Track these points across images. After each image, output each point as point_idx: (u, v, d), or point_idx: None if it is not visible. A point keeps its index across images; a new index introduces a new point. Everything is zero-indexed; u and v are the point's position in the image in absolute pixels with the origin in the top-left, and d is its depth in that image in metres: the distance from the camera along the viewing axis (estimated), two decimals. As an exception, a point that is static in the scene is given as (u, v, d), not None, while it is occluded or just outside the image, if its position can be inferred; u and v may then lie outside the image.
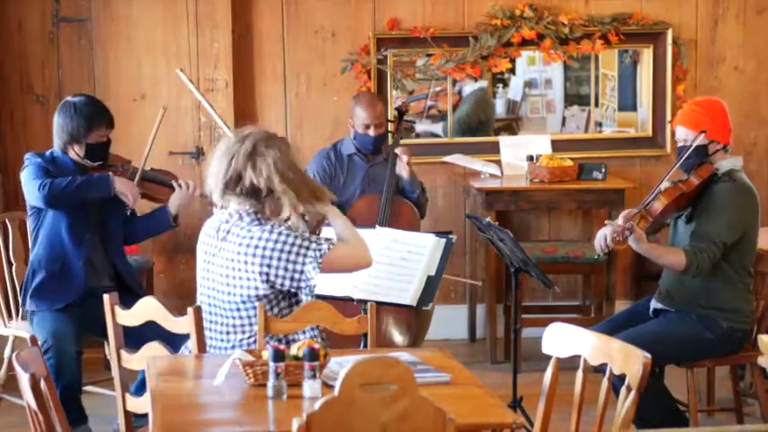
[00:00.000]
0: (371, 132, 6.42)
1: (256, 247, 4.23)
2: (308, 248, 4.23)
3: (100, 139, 5.56)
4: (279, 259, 4.21)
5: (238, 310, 4.31)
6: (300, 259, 4.22)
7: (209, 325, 4.38)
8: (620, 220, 5.16)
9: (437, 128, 7.56)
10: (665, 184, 5.22)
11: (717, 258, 5.12)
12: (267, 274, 4.22)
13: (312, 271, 4.22)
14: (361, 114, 6.43)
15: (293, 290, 4.29)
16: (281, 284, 4.25)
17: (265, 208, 4.29)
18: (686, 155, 5.21)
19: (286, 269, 4.22)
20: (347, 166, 6.51)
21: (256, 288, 4.25)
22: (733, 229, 5.15)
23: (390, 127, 6.63)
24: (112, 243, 5.64)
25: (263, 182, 4.25)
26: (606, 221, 5.40)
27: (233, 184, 4.28)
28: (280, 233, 4.24)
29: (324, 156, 6.57)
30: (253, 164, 4.26)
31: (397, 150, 6.36)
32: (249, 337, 4.33)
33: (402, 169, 6.35)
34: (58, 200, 5.42)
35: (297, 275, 4.23)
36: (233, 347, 4.30)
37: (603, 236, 5.18)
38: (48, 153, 5.58)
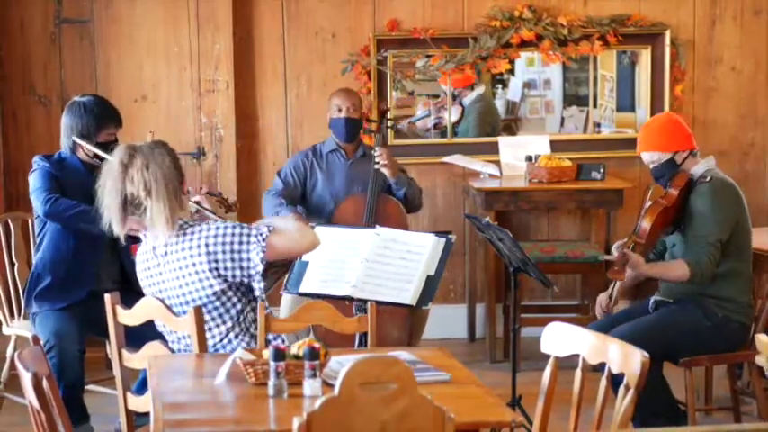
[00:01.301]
0: (343, 115, 6.45)
1: (199, 246, 4.27)
2: (248, 235, 4.28)
3: (109, 138, 5.58)
4: (224, 252, 4.26)
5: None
6: (244, 247, 4.26)
7: (178, 345, 4.41)
8: (614, 252, 5.27)
9: (435, 136, 7.60)
10: (647, 205, 5.32)
11: (717, 258, 5.19)
12: (217, 269, 4.27)
13: (257, 257, 4.26)
14: (335, 101, 6.48)
15: (245, 280, 4.32)
16: (233, 276, 4.29)
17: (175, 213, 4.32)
18: (653, 174, 5.38)
19: (233, 260, 4.27)
20: (326, 163, 6.51)
21: (211, 286, 4.28)
22: (723, 225, 5.23)
23: (373, 126, 6.63)
24: (120, 247, 5.63)
25: (138, 190, 4.28)
26: (604, 256, 5.50)
27: (126, 205, 4.31)
28: (218, 227, 4.30)
29: (303, 154, 6.59)
30: (128, 177, 4.29)
31: (375, 151, 6.37)
32: (221, 341, 4.35)
33: (383, 169, 6.35)
34: (57, 219, 5.45)
35: (244, 264, 4.27)
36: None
37: (599, 302, 5.47)
38: (56, 155, 5.59)
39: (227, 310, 4.35)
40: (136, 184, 4.27)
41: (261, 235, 4.28)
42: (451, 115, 7.54)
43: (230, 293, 4.33)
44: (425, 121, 7.59)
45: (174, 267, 4.32)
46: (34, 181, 5.51)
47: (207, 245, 4.26)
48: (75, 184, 5.52)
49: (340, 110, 6.46)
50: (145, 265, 4.45)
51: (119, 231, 4.39)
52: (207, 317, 4.33)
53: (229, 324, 4.35)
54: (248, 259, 4.27)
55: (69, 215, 5.40)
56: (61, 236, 5.51)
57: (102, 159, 5.59)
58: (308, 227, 4.52)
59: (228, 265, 4.27)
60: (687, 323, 5.23)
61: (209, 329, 4.34)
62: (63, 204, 5.41)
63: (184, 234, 4.31)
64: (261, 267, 4.27)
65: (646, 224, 5.25)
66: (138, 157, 4.30)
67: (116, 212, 4.33)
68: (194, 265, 4.28)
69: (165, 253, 4.35)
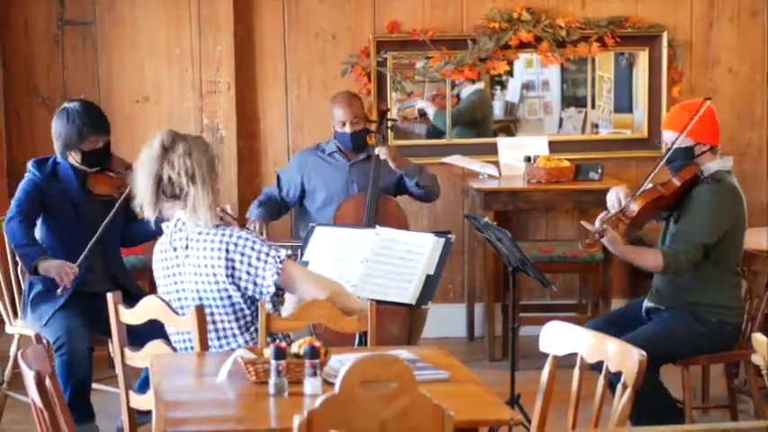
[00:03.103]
0: (348, 129, 6.45)
1: (220, 249, 4.25)
2: (267, 254, 4.26)
3: (94, 146, 5.59)
4: (241, 262, 4.25)
5: (212, 314, 4.32)
6: (261, 264, 4.25)
7: (185, 343, 4.41)
8: (596, 223, 5.21)
9: (421, 128, 7.63)
10: (647, 186, 5.27)
11: (696, 258, 5.16)
12: (232, 276, 4.26)
13: (271, 278, 4.25)
14: (337, 112, 6.47)
15: (257, 296, 4.31)
16: (245, 288, 4.28)
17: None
18: (668, 156, 5.28)
19: (248, 273, 4.26)
20: (328, 164, 6.53)
21: (226, 290, 4.28)
22: (713, 229, 5.18)
23: (373, 127, 6.66)
24: (110, 250, 5.65)
25: (179, 176, 4.27)
26: (582, 222, 5.44)
27: (159, 189, 4.29)
28: (240, 236, 4.28)
29: (303, 155, 6.61)
30: (168, 161, 4.28)
31: (376, 151, 6.38)
32: (228, 345, 4.35)
33: (390, 164, 6.38)
34: (7, 237, 5.54)
35: (258, 281, 4.26)
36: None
37: (616, 194, 5.29)
38: (50, 161, 5.63)
39: (237, 319, 4.35)
40: (176, 168, 4.25)
41: (278, 257, 4.27)
42: (449, 104, 7.58)
43: (243, 304, 4.33)
44: (413, 110, 7.62)
45: (193, 263, 4.32)
46: (19, 189, 5.58)
47: (228, 250, 4.25)
48: (60, 192, 5.57)
49: (344, 124, 6.45)
50: (161, 255, 4.44)
51: (149, 214, 4.36)
52: (217, 318, 4.33)
53: (237, 331, 4.35)
54: (263, 277, 4.26)
55: (13, 243, 5.50)
56: (51, 241, 5.56)
57: (90, 166, 5.61)
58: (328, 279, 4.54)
59: (243, 276, 4.26)
60: (683, 332, 5.22)
61: (216, 331, 4.35)
62: (16, 230, 5.46)
63: (207, 233, 4.31)
64: (273, 289, 4.26)
65: (635, 206, 5.19)
66: (181, 142, 4.30)
67: (148, 196, 4.30)
68: (213, 266, 4.27)
69: (187, 246, 4.34)
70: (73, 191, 5.61)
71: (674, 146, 5.25)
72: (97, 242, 5.52)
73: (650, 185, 5.26)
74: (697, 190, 5.25)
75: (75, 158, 5.60)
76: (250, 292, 4.31)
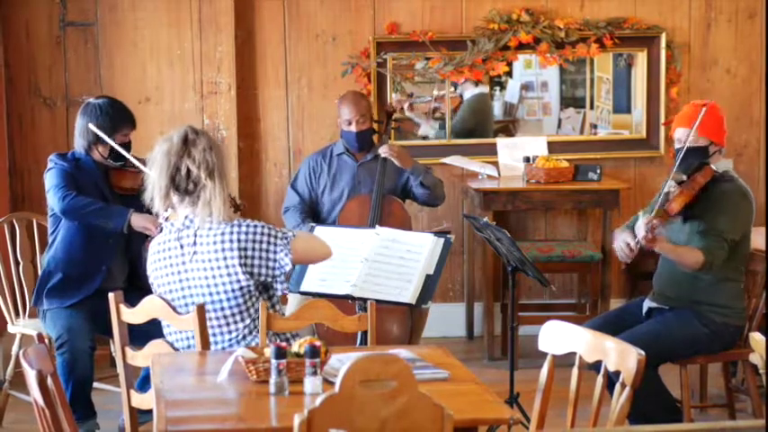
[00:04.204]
0: (353, 128, 6.45)
1: (231, 240, 4.33)
2: (276, 237, 4.36)
3: (124, 139, 5.65)
4: (253, 249, 4.33)
5: (222, 309, 4.38)
6: (272, 248, 4.34)
7: (186, 341, 4.44)
8: (646, 222, 5.11)
9: (441, 133, 7.65)
10: (671, 185, 5.25)
11: (726, 255, 5.19)
12: (245, 265, 4.32)
13: (285, 257, 4.34)
14: (344, 111, 6.48)
15: (269, 279, 4.39)
16: (259, 273, 4.35)
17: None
18: (681, 155, 5.30)
19: (261, 258, 4.34)
20: (336, 165, 6.55)
21: (239, 281, 4.34)
22: (739, 228, 5.23)
23: (378, 127, 6.67)
24: (135, 243, 5.66)
25: (198, 169, 4.33)
26: (616, 230, 5.43)
27: (174, 181, 4.35)
28: (248, 225, 4.36)
29: (312, 159, 6.62)
30: (189, 153, 4.34)
31: (380, 150, 6.41)
32: (237, 336, 4.39)
33: (393, 159, 6.38)
34: (74, 215, 5.50)
35: (271, 263, 4.35)
36: (222, 349, 4.37)
37: (625, 244, 5.22)
38: (70, 154, 5.65)
39: (248, 308, 4.40)
40: (197, 161, 4.32)
41: (286, 238, 4.37)
42: (449, 105, 7.61)
43: (254, 291, 4.40)
44: (427, 104, 7.65)
45: (203, 258, 4.36)
46: (51, 178, 5.56)
47: (239, 240, 4.33)
48: (89, 183, 5.58)
49: (350, 123, 6.45)
50: (163, 254, 4.46)
51: (159, 207, 4.42)
52: (228, 312, 4.38)
53: (248, 321, 4.40)
54: (275, 260, 4.35)
55: (86, 211, 5.46)
56: (73, 234, 5.56)
57: (115, 160, 5.66)
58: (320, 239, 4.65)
59: (256, 262, 4.34)
60: (685, 332, 5.24)
61: (228, 325, 4.39)
62: (81, 201, 5.47)
63: (217, 227, 4.37)
64: (288, 267, 4.37)
65: (676, 205, 5.16)
66: (203, 137, 4.38)
67: (162, 187, 4.36)
68: (225, 258, 4.33)
69: (195, 243, 4.39)
70: (99, 183, 5.64)
71: (689, 144, 5.25)
72: (125, 242, 5.61)
73: (674, 183, 5.23)
74: (719, 188, 5.26)
75: (101, 153, 5.62)
76: (263, 277, 4.38)
